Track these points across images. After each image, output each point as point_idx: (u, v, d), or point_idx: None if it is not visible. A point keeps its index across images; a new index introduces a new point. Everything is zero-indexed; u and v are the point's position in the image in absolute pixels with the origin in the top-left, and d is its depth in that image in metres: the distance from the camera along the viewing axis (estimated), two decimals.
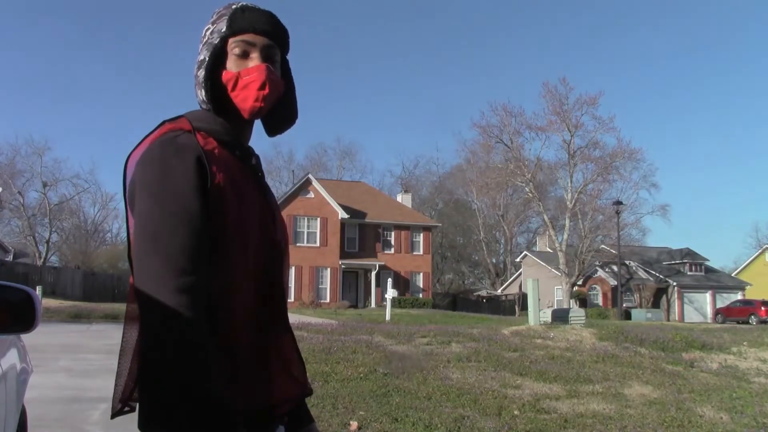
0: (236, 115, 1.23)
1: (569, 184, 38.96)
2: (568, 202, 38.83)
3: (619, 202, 36.71)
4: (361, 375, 7.76)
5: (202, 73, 1.22)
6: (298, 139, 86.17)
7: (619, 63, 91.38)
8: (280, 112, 1.33)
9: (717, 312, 38.09)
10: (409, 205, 45.24)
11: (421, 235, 41.08)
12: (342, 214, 37.18)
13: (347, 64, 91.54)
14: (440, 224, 49.19)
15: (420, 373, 8.16)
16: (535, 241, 53.12)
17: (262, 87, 1.20)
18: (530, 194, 40.22)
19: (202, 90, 1.22)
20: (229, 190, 1.14)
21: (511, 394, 7.05)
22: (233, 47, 1.22)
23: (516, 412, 6.03)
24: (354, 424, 5.15)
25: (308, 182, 37.87)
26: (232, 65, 1.22)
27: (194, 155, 1.11)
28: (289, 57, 1.33)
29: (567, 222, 39.47)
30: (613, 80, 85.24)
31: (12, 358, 2.49)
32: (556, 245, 39.10)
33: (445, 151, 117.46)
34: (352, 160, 65.80)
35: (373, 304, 36.66)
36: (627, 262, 42.18)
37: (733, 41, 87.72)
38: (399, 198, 46.50)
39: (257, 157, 1.30)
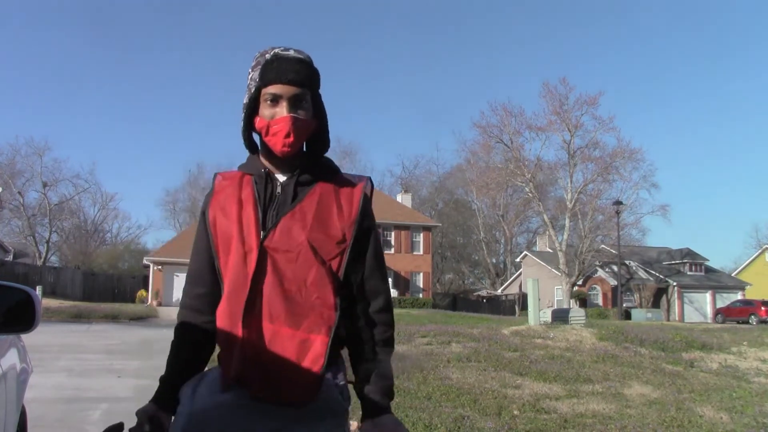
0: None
1: (569, 184, 38.95)
2: (568, 202, 38.80)
3: (619, 202, 36.67)
4: None
5: (241, 123, 1.50)
6: None
7: (619, 63, 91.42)
8: (315, 141, 1.55)
9: (717, 312, 38.09)
10: (409, 205, 45.24)
11: (421, 235, 41.08)
12: None
13: (347, 63, 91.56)
14: (440, 224, 49.19)
15: (420, 373, 8.16)
16: (535, 241, 53.06)
17: (287, 136, 1.43)
18: (530, 194, 40.20)
19: (242, 137, 1.53)
20: (220, 219, 1.47)
21: (511, 394, 7.05)
22: (264, 96, 1.44)
23: (516, 412, 6.03)
24: (354, 424, 5.15)
25: None
26: (264, 112, 1.45)
27: (204, 204, 1.53)
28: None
29: (567, 222, 39.45)
30: (613, 80, 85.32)
31: (12, 358, 2.49)
32: (556, 245, 39.08)
33: (445, 151, 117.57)
34: (352, 160, 65.57)
35: None
36: (627, 262, 42.17)
37: (733, 41, 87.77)
38: (399, 198, 46.49)
39: (301, 181, 1.49)
